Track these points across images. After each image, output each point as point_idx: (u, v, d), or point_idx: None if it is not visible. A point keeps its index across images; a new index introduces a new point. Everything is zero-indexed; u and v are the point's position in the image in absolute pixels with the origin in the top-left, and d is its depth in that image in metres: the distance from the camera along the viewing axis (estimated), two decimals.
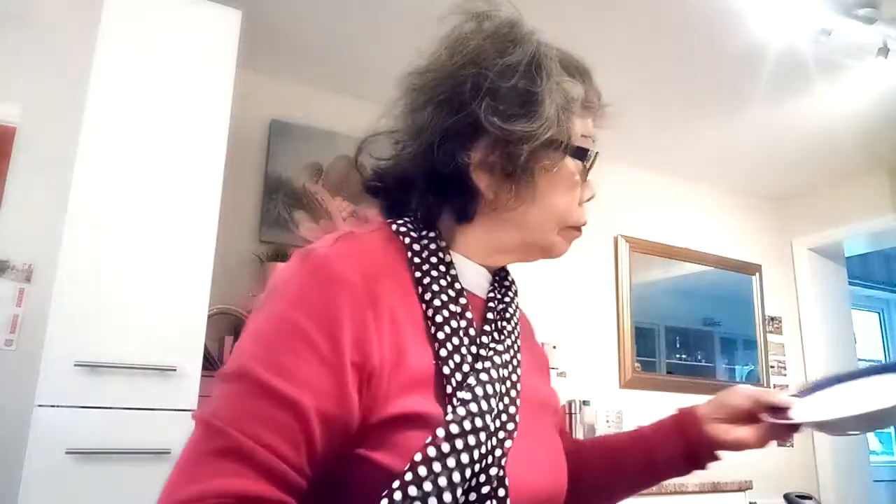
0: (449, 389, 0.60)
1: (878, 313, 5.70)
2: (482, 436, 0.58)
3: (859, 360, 4.31)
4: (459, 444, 0.56)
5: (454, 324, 0.64)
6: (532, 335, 0.89)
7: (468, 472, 0.56)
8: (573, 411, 3.14)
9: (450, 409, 0.58)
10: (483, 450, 0.58)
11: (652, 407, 3.44)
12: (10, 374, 1.99)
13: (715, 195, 4.09)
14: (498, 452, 0.60)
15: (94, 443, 1.64)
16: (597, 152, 0.72)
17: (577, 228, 0.75)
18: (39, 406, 1.63)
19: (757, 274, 4.04)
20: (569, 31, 2.98)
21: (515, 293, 0.80)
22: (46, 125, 2.18)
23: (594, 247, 3.57)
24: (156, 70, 1.93)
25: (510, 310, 0.75)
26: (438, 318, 0.64)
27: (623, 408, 3.32)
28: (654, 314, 3.65)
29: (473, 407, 0.59)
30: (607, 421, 3.24)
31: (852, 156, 3.56)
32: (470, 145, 0.68)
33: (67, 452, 1.61)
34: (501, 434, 0.62)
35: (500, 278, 0.79)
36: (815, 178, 3.92)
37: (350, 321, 0.56)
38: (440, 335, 0.63)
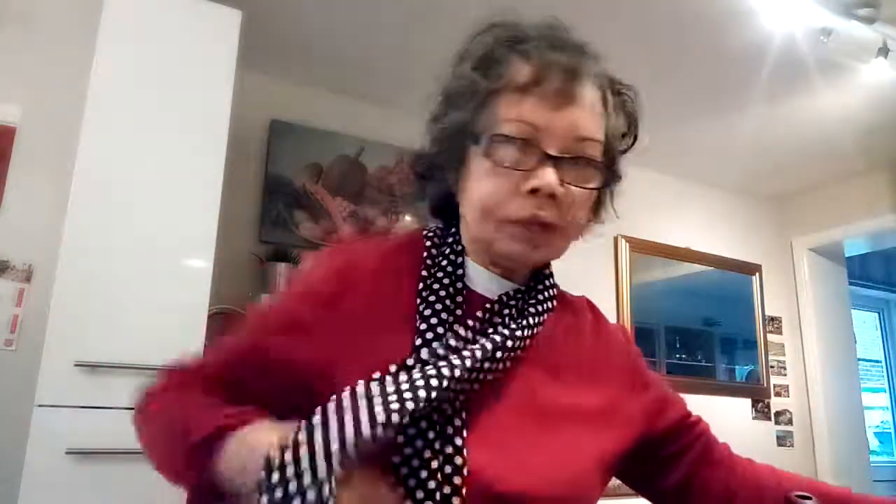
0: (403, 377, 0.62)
1: (878, 313, 5.70)
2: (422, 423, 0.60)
3: (859, 360, 4.31)
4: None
5: (444, 316, 0.67)
6: (604, 348, 0.80)
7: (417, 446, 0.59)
8: None
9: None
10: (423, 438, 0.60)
11: None
12: (10, 374, 1.99)
13: (715, 195, 4.10)
14: (441, 447, 0.60)
15: (94, 443, 1.64)
16: (494, 134, 0.65)
17: (522, 224, 0.66)
18: (39, 406, 1.63)
19: (757, 274, 4.04)
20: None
21: (543, 308, 0.74)
22: (46, 125, 2.18)
23: (594, 247, 3.56)
24: (156, 70, 1.93)
25: (524, 313, 0.71)
26: (426, 312, 0.67)
27: None
28: (654, 314, 3.65)
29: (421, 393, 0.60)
30: None
31: (852, 156, 3.56)
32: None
33: (67, 452, 1.61)
34: (450, 429, 0.61)
35: (529, 286, 0.75)
36: (815, 178, 3.92)
37: (324, 307, 0.67)
38: (422, 326, 0.66)
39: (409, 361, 0.63)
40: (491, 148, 0.65)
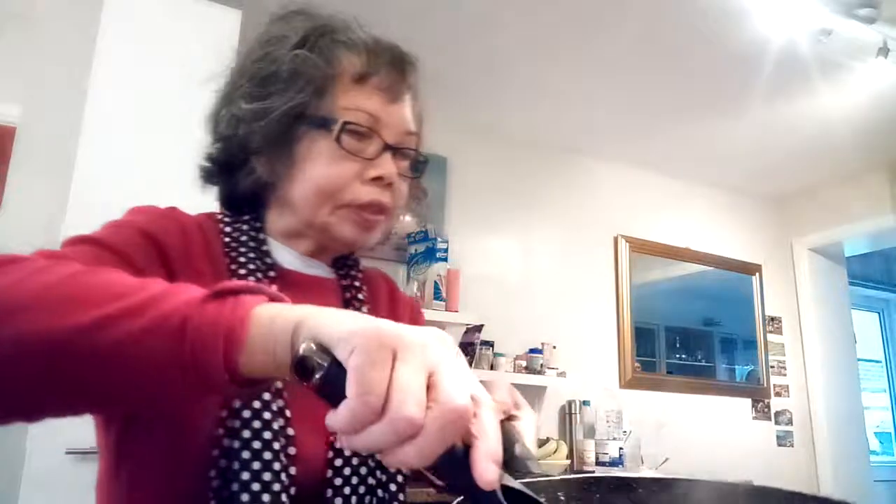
0: None
1: (878, 313, 5.69)
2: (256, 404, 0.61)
3: (859, 360, 4.31)
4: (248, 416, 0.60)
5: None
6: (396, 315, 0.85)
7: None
8: (573, 411, 3.14)
9: None
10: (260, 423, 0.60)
11: (652, 407, 3.44)
12: None
13: (715, 195, 4.09)
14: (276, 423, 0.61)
15: (94, 443, 1.64)
16: (346, 121, 0.67)
17: (364, 208, 0.69)
18: None
19: (757, 274, 4.05)
20: (570, 33, 2.96)
21: (360, 284, 0.79)
22: (46, 125, 2.17)
23: (594, 247, 3.56)
24: (156, 70, 1.93)
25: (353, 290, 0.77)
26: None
27: (623, 408, 3.32)
28: (654, 314, 3.65)
29: None
30: (607, 421, 3.24)
31: (852, 156, 3.56)
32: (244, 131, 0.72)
33: (67, 452, 1.61)
34: (275, 406, 0.62)
35: (344, 266, 0.79)
36: (815, 178, 3.92)
37: (157, 238, 0.66)
38: None
39: None
40: (341, 135, 0.67)
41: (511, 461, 0.55)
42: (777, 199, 4.25)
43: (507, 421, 0.61)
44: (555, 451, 2.84)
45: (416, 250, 2.94)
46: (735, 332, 3.91)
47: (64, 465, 1.60)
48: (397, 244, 3.01)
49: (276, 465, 0.59)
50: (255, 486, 0.57)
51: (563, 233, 3.48)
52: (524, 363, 3.02)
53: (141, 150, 1.87)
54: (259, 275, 0.68)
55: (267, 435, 0.59)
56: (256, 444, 0.59)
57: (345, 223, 0.70)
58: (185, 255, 0.66)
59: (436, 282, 2.81)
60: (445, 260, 2.85)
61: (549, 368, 3.05)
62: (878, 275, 5.50)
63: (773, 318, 4.04)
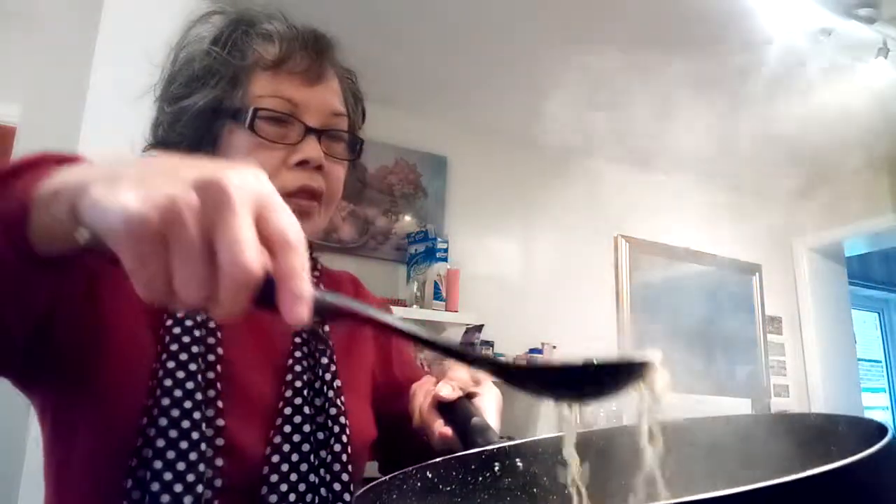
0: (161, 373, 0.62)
1: (878, 313, 5.69)
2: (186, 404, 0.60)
3: (859, 360, 4.31)
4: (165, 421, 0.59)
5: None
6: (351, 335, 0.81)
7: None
8: (573, 411, 3.13)
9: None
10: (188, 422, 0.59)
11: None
12: None
13: (715, 195, 4.09)
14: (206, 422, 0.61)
15: None
16: (257, 108, 0.66)
17: (294, 196, 0.68)
18: None
19: (757, 274, 4.04)
20: (569, 32, 2.96)
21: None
22: (46, 125, 2.17)
23: (594, 247, 3.56)
24: (156, 70, 1.93)
25: None
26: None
27: (623, 407, 3.32)
28: (654, 314, 3.65)
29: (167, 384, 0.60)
30: (607, 421, 3.24)
31: (852, 156, 3.56)
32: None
33: None
34: (210, 411, 0.62)
35: None
36: (815, 178, 3.92)
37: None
38: (168, 322, 0.64)
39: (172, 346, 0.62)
40: (255, 123, 0.66)
41: (470, 433, 0.60)
42: (777, 199, 4.24)
43: (465, 398, 0.64)
44: None
45: (416, 250, 2.94)
46: (735, 332, 3.91)
47: None
48: (397, 244, 3.01)
49: (193, 455, 0.57)
50: (167, 476, 0.56)
51: (563, 233, 3.48)
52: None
53: (141, 150, 1.86)
54: None
55: (185, 424, 0.58)
56: (173, 433, 0.58)
57: None
58: None
59: (436, 282, 2.81)
60: (445, 260, 2.85)
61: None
62: (878, 275, 5.50)
63: (773, 318, 4.04)
